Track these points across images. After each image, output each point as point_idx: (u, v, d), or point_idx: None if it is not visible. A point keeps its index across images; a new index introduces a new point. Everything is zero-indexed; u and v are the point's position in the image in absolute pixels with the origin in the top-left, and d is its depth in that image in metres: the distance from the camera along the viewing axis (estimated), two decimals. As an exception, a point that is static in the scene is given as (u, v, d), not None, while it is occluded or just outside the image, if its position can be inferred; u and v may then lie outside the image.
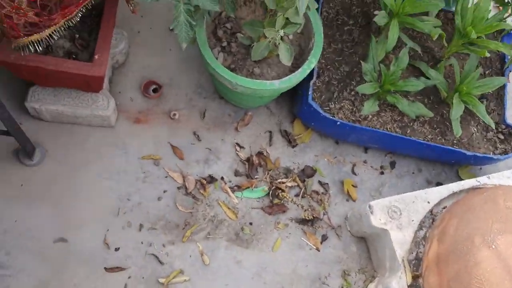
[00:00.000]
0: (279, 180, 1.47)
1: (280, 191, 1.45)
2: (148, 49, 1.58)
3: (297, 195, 1.47)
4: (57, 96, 1.36)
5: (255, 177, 1.47)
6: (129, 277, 1.32)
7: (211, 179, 1.46)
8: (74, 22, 1.06)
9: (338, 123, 1.40)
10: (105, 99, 1.39)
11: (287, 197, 1.44)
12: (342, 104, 1.43)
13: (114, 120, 1.45)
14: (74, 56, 1.25)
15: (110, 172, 1.42)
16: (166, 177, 1.45)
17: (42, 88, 1.35)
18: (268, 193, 1.45)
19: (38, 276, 1.29)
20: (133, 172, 1.43)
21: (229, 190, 1.45)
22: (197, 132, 1.52)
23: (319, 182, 1.51)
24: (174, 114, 1.52)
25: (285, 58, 1.14)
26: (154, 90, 1.54)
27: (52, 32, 1.04)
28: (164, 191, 1.43)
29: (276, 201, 1.45)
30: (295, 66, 1.36)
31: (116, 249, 1.34)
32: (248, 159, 1.49)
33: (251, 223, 1.43)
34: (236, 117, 1.55)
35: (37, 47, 1.09)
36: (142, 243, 1.36)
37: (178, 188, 1.44)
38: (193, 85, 1.57)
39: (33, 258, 1.30)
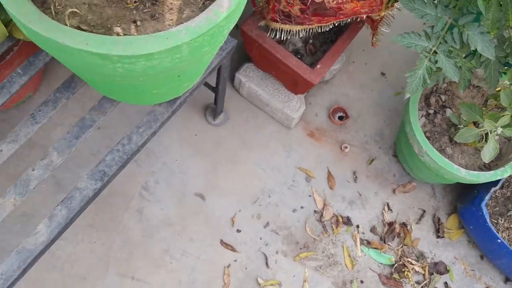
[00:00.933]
0: (409, 259, 1.42)
1: (405, 269, 1.40)
2: (354, 80, 1.64)
3: (418, 283, 1.41)
4: (263, 81, 1.48)
5: (388, 243, 1.44)
6: (235, 260, 1.39)
7: (347, 221, 1.46)
8: (321, 30, 1.15)
9: (499, 241, 1.31)
10: (298, 103, 1.48)
11: (409, 279, 1.39)
12: (512, 226, 1.34)
13: (294, 124, 1.53)
14: (299, 56, 1.35)
15: (267, 164, 1.50)
16: (310, 196, 1.49)
17: (255, 67, 1.48)
18: (393, 264, 1.41)
19: (167, 214, 1.42)
20: (285, 176, 1.50)
21: (358, 240, 1.44)
22: (357, 173, 1.54)
23: (445, 284, 1.43)
24: (346, 147, 1.55)
25: (488, 155, 1.11)
26: (340, 117, 1.59)
27: (301, 30, 1.13)
28: (301, 207, 1.47)
29: (396, 276, 1.40)
30: (486, 166, 1.31)
31: (238, 231, 1.42)
32: (390, 224, 1.46)
33: (362, 282, 1.40)
34: (399, 180, 1.54)
35: (278, 34, 1.20)
36: (260, 238, 1.42)
37: (315, 211, 1.47)
38: (375, 130, 1.59)
39: (171, 197, 1.44)
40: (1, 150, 0.98)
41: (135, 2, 0.78)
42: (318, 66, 1.28)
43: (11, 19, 0.90)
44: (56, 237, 0.95)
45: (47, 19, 0.66)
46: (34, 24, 0.65)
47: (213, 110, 1.49)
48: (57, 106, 1.02)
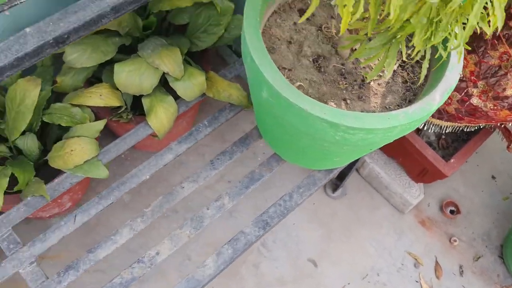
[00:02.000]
0: None
1: None
2: (465, 178, 1.73)
3: None
4: (386, 164, 1.59)
5: None
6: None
7: (453, 314, 1.48)
8: (467, 129, 1.27)
9: None
10: (418, 191, 1.57)
11: None
12: None
13: (408, 210, 1.61)
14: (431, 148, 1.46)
15: (378, 243, 1.58)
16: (416, 281, 1.54)
17: (379, 150, 1.60)
18: None
19: (281, 273, 1.50)
20: (395, 258, 1.56)
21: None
22: (463, 267, 1.57)
23: None
24: (455, 240, 1.61)
25: None
26: (451, 211, 1.66)
27: (448, 126, 1.25)
28: (407, 291, 1.52)
29: None
30: None
31: (346, 303, 1.47)
32: (497, 324, 1.47)
33: None
34: (503, 281, 1.56)
35: (425, 126, 1.32)
36: (367, 314, 1.46)
37: (421, 298, 1.51)
38: (483, 229, 1.64)
39: (286, 257, 1.52)
40: (183, 187, 1.12)
41: (345, 84, 0.93)
42: (452, 160, 1.38)
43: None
44: (220, 272, 1.06)
45: (294, 88, 0.81)
46: (285, 91, 0.80)
47: (334, 183, 1.60)
48: (232, 157, 1.17)
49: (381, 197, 1.65)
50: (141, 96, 1.16)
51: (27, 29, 0.73)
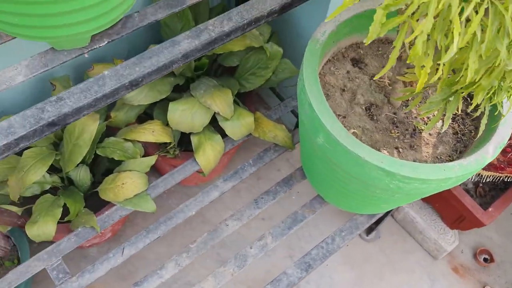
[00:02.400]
0: None
1: None
2: (499, 226, 1.72)
3: None
4: (422, 209, 1.59)
5: None
6: None
7: None
8: (507, 179, 1.27)
9: None
10: (453, 237, 1.56)
11: None
12: None
13: (442, 256, 1.60)
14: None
15: (411, 289, 1.57)
16: (450, 330, 1.51)
17: (414, 195, 1.61)
18: None
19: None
20: (428, 305, 1.55)
21: None
22: (498, 319, 1.55)
23: None
24: (489, 290, 1.59)
25: None
26: (485, 260, 1.65)
27: (489, 176, 1.26)
28: None
29: None
30: None
31: None
32: None
33: None
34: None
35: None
36: None
37: None
38: (518, 280, 1.62)
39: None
40: (227, 225, 1.14)
41: (397, 132, 0.96)
42: (491, 209, 1.38)
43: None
44: (262, 312, 1.06)
45: (351, 136, 0.84)
46: (343, 138, 0.83)
47: (368, 226, 1.61)
48: (276, 197, 1.19)
49: (415, 242, 1.65)
50: (186, 133, 1.20)
51: (106, 72, 0.77)
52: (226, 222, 1.13)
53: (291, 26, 1.36)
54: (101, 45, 0.80)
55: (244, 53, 1.25)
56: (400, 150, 0.93)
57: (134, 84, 0.79)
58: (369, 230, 1.61)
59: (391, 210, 1.41)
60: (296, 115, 1.49)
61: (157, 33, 1.39)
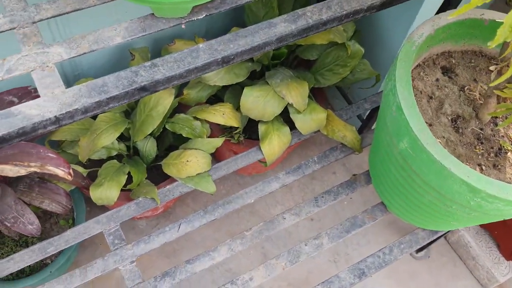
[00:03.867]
0: None
1: None
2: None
3: None
4: (478, 235, 1.53)
5: None
6: None
7: None
8: None
9: None
10: (507, 269, 1.49)
11: None
12: None
13: (492, 286, 1.53)
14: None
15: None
16: None
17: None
18: None
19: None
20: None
21: None
22: None
23: None
24: (539, 330, 1.51)
25: None
26: (538, 298, 1.57)
27: None
28: None
29: None
30: None
31: None
32: None
33: None
34: None
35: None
36: None
37: None
38: None
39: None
40: (285, 218, 1.12)
41: (481, 149, 0.91)
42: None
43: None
44: (310, 312, 1.04)
45: (439, 145, 0.80)
46: (430, 146, 0.79)
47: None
48: (337, 198, 1.16)
49: (465, 267, 1.58)
50: (253, 120, 1.19)
51: (200, 45, 0.77)
52: (283, 215, 1.11)
53: (375, 27, 1.32)
54: (199, 17, 0.80)
55: (325, 47, 1.23)
56: (483, 167, 0.89)
57: (225, 61, 0.78)
58: (420, 248, 1.55)
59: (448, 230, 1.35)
60: (362, 120, 1.45)
61: (237, 18, 1.39)
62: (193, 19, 0.80)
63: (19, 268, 0.99)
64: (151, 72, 0.74)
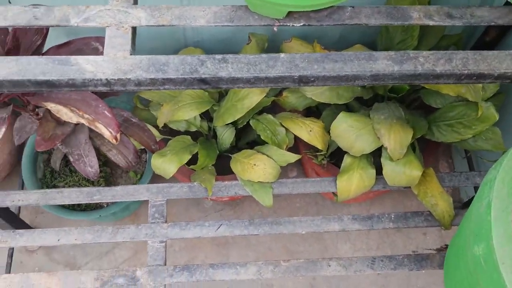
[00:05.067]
0: None
1: None
2: None
3: None
4: None
5: None
6: None
7: None
8: None
9: None
10: None
11: None
12: None
13: None
14: None
15: None
16: None
17: None
18: None
19: None
20: None
21: None
22: None
23: None
24: None
25: None
26: None
27: None
28: None
29: None
30: None
31: None
32: None
33: None
34: None
35: None
36: None
37: None
38: None
39: None
40: (330, 266, 1.00)
41: None
42: None
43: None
44: None
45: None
46: (506, 269, 0.61)
47: None
48: (397, 269, 1.00)
49: None
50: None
51: (282, 55, 0.68)
52: (330, 262, 0.99)
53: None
54: (295, 25, 0.71)
55: (452, 98, 1.04)
56: None
57: (303, 81, 0.68)
58: None
59: None
60: (472, 196, 1.23)
61: (371, 34, 1.25)
62: (287, 24, 0.71)
63: (64, 203, 1.03)
64: (218, 67, 0.67)
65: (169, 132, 1.17)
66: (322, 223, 1.03)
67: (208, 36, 1.25)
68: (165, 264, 0.99)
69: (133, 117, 1.05)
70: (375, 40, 1.21)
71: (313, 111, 1.23)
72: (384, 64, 0.68)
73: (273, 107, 1.18)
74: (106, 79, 0.66)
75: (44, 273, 0.95)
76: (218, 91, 1.16)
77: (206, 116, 1.17)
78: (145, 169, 1.30)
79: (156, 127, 1.11)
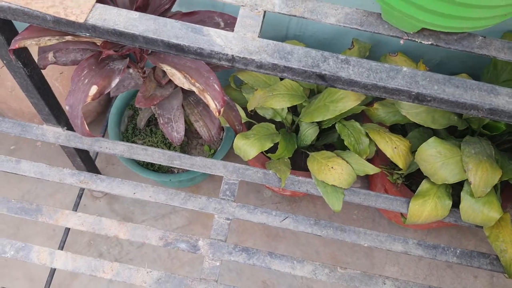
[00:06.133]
0: None
1: None
2: None
3: None
4: None
5: None
6: None
7: None
8: None
9: None
10: None
11: None
12: None
13: None
14: None
15: None
16: None
17: None
18: None
19: None
20: None
21: None
22: None
23: None
24: None
25: None
26: None
27: None
28: None
29: None
30: None
31: None
32: None
33: None
34: None
35: None
36: None
37: None
38: None
39: None
40: (385, 284, 0.99)
41: None
42: None
43: None
44: None
45: None
46: None
47: None
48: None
49: None
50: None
51: (404, 68, 0.68)
52: (385, 281, 0.99)
53: None
54: (423, 42, 0.71)
55: (549, 150, 1.01)
56: None
57: (419, 99, 0.69)
58: None
59: None
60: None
61: (474, 66, 1.23)
62: (416, 40, 0.71)
63: (145, 160, 1.07)
64: (339, 66, 0.69)
65: (254, 116, 1.19)
66: (386, 241, 1.02)
67: (311, 32, 1.26)
68: (226, 241, 1.02)
69: (224, 95, 1.08)
70: (475, 73, 1.18)
71: (398, 128, 1.22)
72: (505, 100, 0.67)
73: (358, 116, 1.18)
74: (232, 55, 0.69)
75: (115, 220, 1.00)
76: (310, 88, 1.17)
77: (292, 109, 1.19)
78: (219, 146, 1.34)
79: (245, 109, 1.14)
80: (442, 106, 0.69)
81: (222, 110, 0.80)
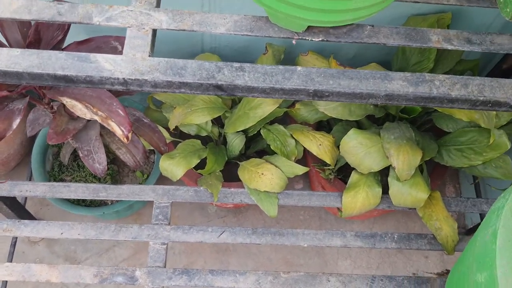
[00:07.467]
0: None
1: None
2: None
3: None
4: None
5: None
6: None
7: None
8: None
9: None
10: None
11: None
12: None
13: None
14: None
15: None
16: None
17: None
18: None
19: None
20: None
21: None
22: None
23: None
24: None
25: None
26: None
27: None
28: None
29: None
30: None
31: None
32: None
33: None
34: None
35: None
36: None
37: None
38: None
39: None
40: (329, 281, 0.99)
41: None
42: None
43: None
44: None
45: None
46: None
47: None
48: (396, 290, 0.99)
49: None
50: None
51: (299, 68, 0.68)
52: (329, 278, 0.99)
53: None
54: (314, 39, 0.71)
55: (464, 123, 1.04)
56: None
57: (318, 95, 0.69)
58: None
59: None
60: (478, 223, 1.23)
61: (387, 53, 1.26)
62: (306, 38, 0.72)
63: (70, 198, 1.03)
64: (234, 75, 0.68)
65: (179, 135, 1.18)
66: (324, 238, 1.03)
67: (226, 43, 1.26)
68: (165, 266, 0.99)
69: (144, 118, 1.06)
70: (390, 59, 1.21)
71: (324, 125, 1.23)
72: (399, 84, 0.69)
73: (284, 118, 1.19)
74: (124, 78, 0.67)
75: (45, 265, 0.96)
76: (231, 98, 1.16)
77: (218, 122, 1.18)
78: (152, 170, 1.31)
79: (167, 129, 1.12)
80: (341, 99, 0.70)
81: (130, 135, 0.78)
